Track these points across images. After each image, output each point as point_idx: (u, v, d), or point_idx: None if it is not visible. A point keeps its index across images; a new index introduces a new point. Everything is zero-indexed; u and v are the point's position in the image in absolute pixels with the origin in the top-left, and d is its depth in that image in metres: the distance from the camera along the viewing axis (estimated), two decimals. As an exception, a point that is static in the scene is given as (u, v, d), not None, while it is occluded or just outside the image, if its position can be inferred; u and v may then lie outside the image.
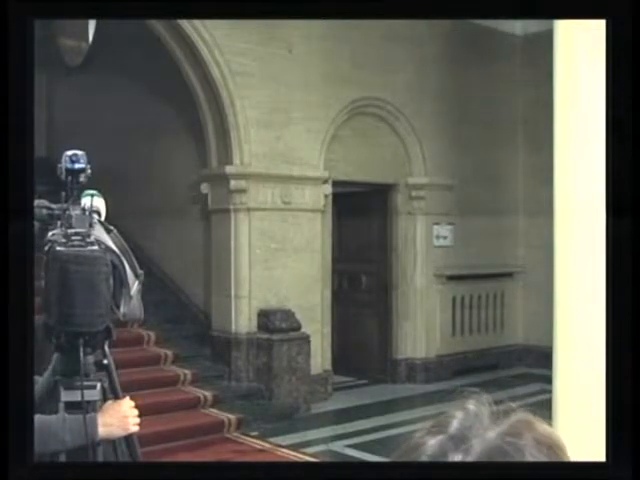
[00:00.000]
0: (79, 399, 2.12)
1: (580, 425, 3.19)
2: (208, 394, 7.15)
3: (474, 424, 0.67)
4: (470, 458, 0.65)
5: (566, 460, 0.68)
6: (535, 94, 9.18)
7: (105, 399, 2.24)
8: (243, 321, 7.59)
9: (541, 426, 0.69)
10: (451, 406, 0.70)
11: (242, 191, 7.54)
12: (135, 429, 2.27)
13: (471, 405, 0.69)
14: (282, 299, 7.76)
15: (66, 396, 2.15)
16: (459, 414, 0.68)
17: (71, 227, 2.16)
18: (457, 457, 0.65)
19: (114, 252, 2.19)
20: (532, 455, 0.65)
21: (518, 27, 9.98)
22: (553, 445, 0.68)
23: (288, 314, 7.60)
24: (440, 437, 0.67)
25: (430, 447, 0.66)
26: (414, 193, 9.07)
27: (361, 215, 9.27)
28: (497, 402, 0.72)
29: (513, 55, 10.05)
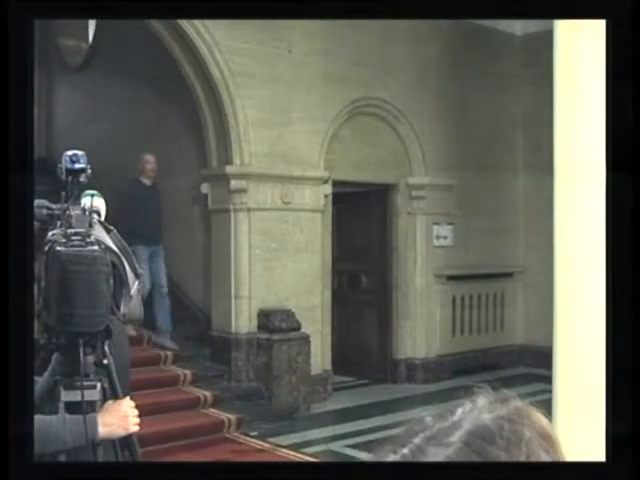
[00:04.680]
0: (79, 399, 2.11)
1: (580, 425, 3.19)
2: (208, 394, 7.15)
3: (473, 410, 0.68)
4: (458, 433, 0.65)
5: (560, 454, 0.69)
6: (535, 94, 9.18)
7: (105, 399, 2.24)
8: (243, 321, 7.59)
9: (539, 416, 0.70)
10: (457, 403, 0.71)
11: (242, 191, 7.54)
12: (135, 429, 2.26)
13: (477, 398, 0.70)
14: (282, 299, 7.76)
15: (66, 396, 2.15)
16: (465, 405, 0.70)
17: (71, 227, 2.16)
18: (444, 424, 0.67)
19: (114, 252, 2.19)
20: (529, 442, 0.66)
21: (518, 27, 9.98)
22: (550, 436, 0.69)
23: (288, 314, 7.60)
24: (440, 420, 0.68)
25: (427, 424, 0.68)
26: (414, 193, 9.06)
27: (361, 215, 9.27)
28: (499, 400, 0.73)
29: (513, 55, 10.05)
